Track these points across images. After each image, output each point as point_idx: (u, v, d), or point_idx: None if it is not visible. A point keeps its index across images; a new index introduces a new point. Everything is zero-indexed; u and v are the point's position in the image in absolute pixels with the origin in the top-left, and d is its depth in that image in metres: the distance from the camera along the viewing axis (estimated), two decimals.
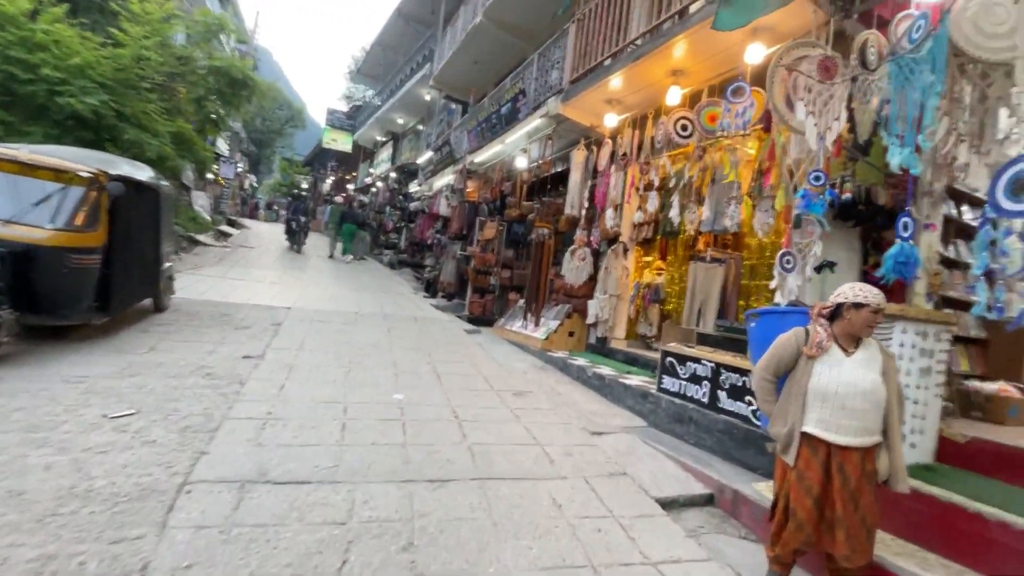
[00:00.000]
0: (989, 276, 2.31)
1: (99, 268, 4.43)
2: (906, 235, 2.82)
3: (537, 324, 7.41)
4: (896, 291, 3.10)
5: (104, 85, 7.60)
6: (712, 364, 4.14)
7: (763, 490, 3.08)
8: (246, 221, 21.56)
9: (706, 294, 5.33)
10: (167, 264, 6.20)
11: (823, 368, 2.22)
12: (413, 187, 17.69)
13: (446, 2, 14.16)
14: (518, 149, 9.04)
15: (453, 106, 14.99)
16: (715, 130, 4.69)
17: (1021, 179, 2.09)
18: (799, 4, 3.61)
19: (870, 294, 2.19)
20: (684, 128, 5.15)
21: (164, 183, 6.20)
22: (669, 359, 4.57)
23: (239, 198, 26.34)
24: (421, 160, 16.22)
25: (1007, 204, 2.13)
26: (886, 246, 4.18)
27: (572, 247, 6.90)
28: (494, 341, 7.66)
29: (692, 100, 5.27)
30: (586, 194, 6.83)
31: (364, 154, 26.44)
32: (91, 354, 4.33)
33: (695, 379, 4.29)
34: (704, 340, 5.21)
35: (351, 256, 15.49)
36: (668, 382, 4.54)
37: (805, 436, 2.22)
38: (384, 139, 22.90)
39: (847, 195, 3.70)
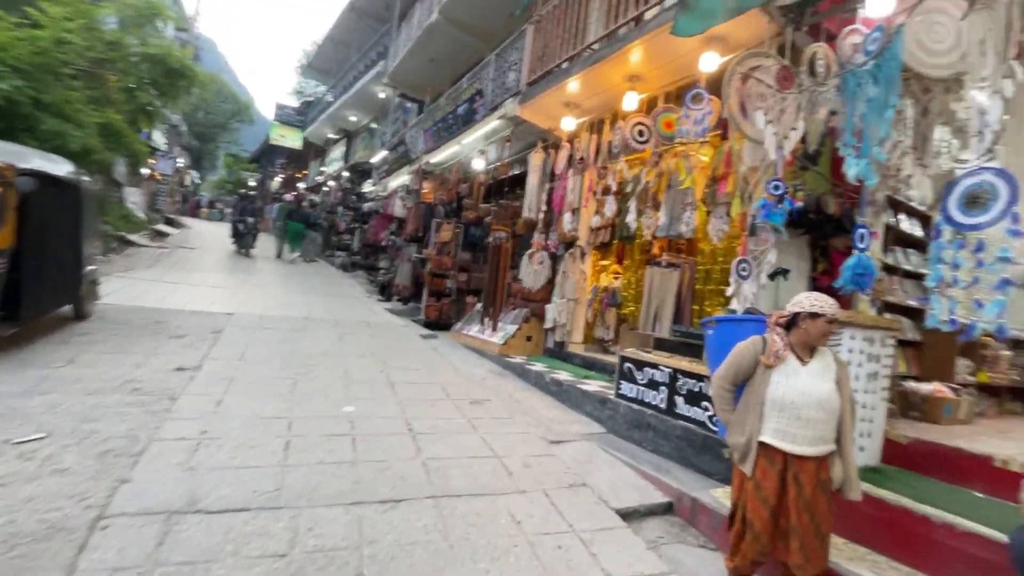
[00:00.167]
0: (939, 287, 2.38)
1: (4, 272, 3.97)
2: (862, 246, 2.88)
3: (495, 328, 7.29)
4: (842, 298, 3.19)
5: (18, 69, 6.84)
6: (669, 370, 4.15)
7: (720, 496, 3.09)
8: (187, 220, 20.42)
9: (662, 299, 5.38)
10: (90, 267, 5.66)
11: (780, 378, 2.22)
12: (367, 187, 17.19)
13: None
14: (475, 150, 8.91)
15: (409, 104, 14.68)
16: (672, 136, 4.74)
17: (973, 192, 2.17)
18: (753, 15, 3.69)
19: (826, 304, 2.20)
20: (641, 134, 5.18)
21: (86, 179, 5.67)
22: (627, 364, 4.56)
23: (179, 195, 24.90)
24: (375, 159, 15.80)
25: (960, 217, 2.21)
26: (833, 253, 4.35)
27: (530, 250, 6.83)
28: (451, 346, 7.49)
29: (649, 106, 5.32)
30: (544, 197, 6.80)
31: (315, 152, 25.49)
32: None
33: (653, 384, 4.29)
34: (661, 345, 5.26)
35: (297, 254, 14.95)
36: (626, 387, 4.53)
37: (762, 446, 2.23)
38: (336, 136, 22.17)
39: (798, 203, 3.79)
